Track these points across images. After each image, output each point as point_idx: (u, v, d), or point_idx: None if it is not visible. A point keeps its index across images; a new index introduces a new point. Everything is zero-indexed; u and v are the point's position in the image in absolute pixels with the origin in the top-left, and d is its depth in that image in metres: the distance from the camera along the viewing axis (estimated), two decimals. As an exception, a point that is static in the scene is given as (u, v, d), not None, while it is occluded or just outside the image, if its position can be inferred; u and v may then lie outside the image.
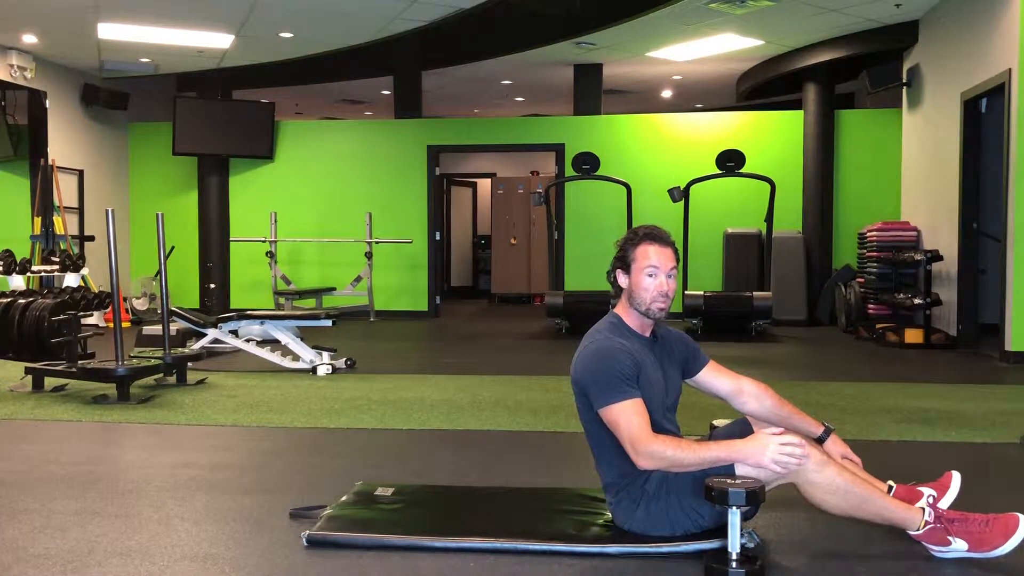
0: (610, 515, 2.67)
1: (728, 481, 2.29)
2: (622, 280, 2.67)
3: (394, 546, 2.53)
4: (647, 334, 2.69)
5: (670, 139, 10.94)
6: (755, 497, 2.25)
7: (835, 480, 2.41)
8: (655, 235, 2.66)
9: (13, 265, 8.19)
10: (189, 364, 5.89)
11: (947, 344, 7.67)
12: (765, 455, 2.32)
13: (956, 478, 2.75)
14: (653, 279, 2.61)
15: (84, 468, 3.56)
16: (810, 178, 10.37)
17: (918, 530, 2.45)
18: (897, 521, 2.47)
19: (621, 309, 2.70)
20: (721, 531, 2.37)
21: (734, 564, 2.26)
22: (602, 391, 2.52)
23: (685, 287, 9.12)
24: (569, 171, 10.24)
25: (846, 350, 7.91)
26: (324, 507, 2.82)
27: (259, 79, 11.50)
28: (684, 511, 2.46)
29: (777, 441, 2.33)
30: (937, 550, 2.45)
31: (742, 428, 2.71)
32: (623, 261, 2.67)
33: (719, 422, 2.92)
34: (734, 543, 2.29)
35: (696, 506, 2.43)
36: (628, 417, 2.47)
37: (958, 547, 2.42)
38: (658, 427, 2.59)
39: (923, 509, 2.48)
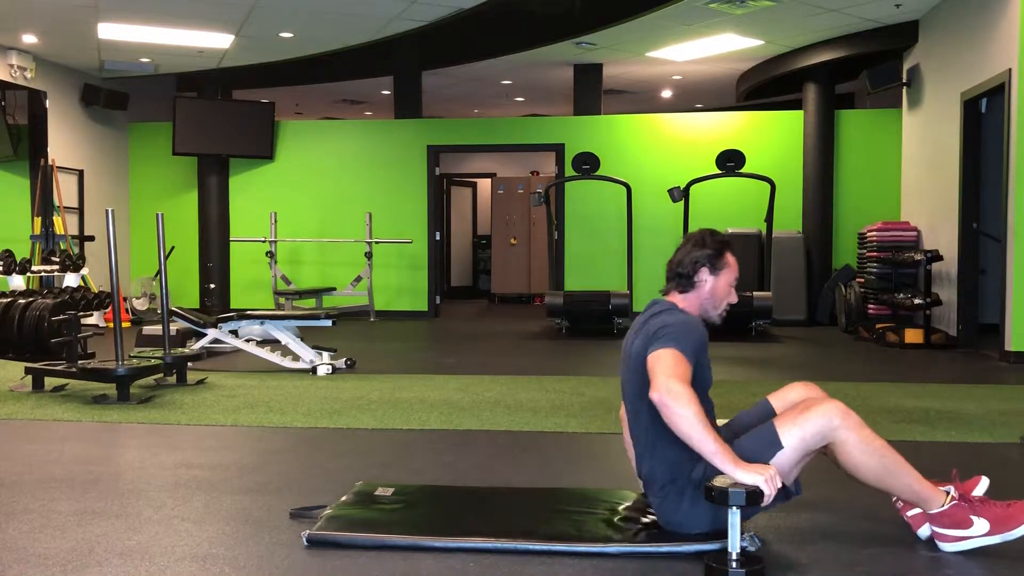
0: (611, 516, 2.67)
1: (729, 481, 2.30)
2: (706, 278, 2.65)
3: (394, 546, 2.53)
4: None
5: (670, 139, 10.94)
6: (755, 498, 2.26)
7: (873, 442, 2.44)
8: (728, 242, 2.72)
9: (13, 265, 8.19)
10: (189, 364, 5.89)
11: (947, 344, 7.67)
12: (753, 478, 2.28)
13: (984, 483, 2.69)
14: (733, 294, 2.70)
15: (84, 468, 3.56)
16: (810, 178, 10.37)
17: (942, 506, 2.46)
18: (924, 495, 2.48)
19: (684, 303, 2.67)
20: (721, 533, 2.37)
21: (734, 565, 2.26)
22: (670, 338, 2.46)
23: (685, 287, 9.11)
24: (569, 171, 10.24)
25: (846, 350, 7.91)
26: (324, 507, 2.82)
27: (259, 79, 11.50)
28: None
29: (770, 473, 2.29)
30: (952, 535, 2.45)
31: (762, 410, 2.71)
32: (715, 262, 2.66)
33: (721, 422, 2.92)
34: (734, 544, 2.29)
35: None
36: (677, 360, 2.42)
37: (979, 528, 2.43)
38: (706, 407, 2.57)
39: (946, 491, 2.50)
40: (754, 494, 2.26)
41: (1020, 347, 6.73)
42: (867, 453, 2.44)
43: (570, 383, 5.75)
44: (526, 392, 5.37)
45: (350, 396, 5.25)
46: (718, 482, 2.29)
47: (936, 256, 7.77)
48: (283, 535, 2.66)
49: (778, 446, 2.45)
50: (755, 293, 8.72)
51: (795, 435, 2.44)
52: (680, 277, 2.66)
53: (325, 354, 6.37)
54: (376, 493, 2.97)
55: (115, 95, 10.73)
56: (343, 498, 2.92)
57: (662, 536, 2.51)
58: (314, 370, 6.20)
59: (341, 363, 6.38)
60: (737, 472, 2.30)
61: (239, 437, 4.24)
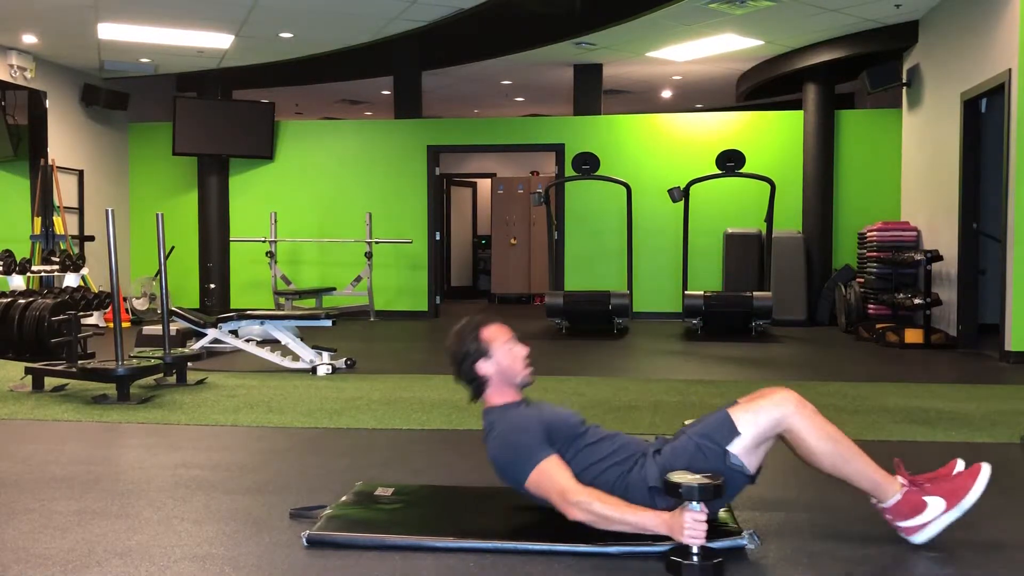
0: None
1: (688, 476, 2.32)
2: (486, 369, 2.71)
3: (394, 546, 2.53)
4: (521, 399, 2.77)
5: (670, 139, 10.94)
6: (709, 492, 2.29)
7: (826, 427, 2.50)
8: (487, 318, 2.77)
9: (13, 265, 8.19)
10: (189, 364, 5.89)
11: (947, 344, 7.67)
12: (683, 533, 2.30)
13: (959, 464, 2.65)
14: (516, 349, 2.74)
15: (84, 468, 3.56)
16: (810, 178, 10.37)
17: (896, 496, 2.49)
18: (879, 482, 2.51)
19: (495, 397, 2.74)
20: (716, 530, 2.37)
21: (694, 558, 2.28)
22: (521, 464, 2.57)
23: (685, 287, 9.12)
24: (569, 171, 10.24)
25: (846, 350, 7.91)
26: (324, 507, 2.82)
27: (259, 79, 11.51)
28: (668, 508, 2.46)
29: (691, 519, 2.30)
30: (914, 524, 2.47)
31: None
32: (479, 352, 2.70)
33: (690, 422, 2.92)
34: None
35: (668, 505, 2.44)
36: (551, 474, 2.52)
37: (935, 507, 2.46)
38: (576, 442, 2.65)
39: (897, 478, 2.53)
40: (713, 488, 2.29)
41: (1020, 347, 6.73)
42: (821, 439, 2.49)
43: (570, 383, 5.74)
44: (526, 392, 5.36)
45: (350, 396, 5.25)
46: (676, 477, 2.32)
47: (936, 256, 7.77)
48: (283, 535, 2.66)
49: (735, 432, 2.51)
50: (755, 293, 8.72)
51: (749, 421, 2.51)
52: (471, 383, 2.75)
53: (325, 354, 6.36)
54: (376, 493, 2.97)
55: (115, 95, 10.73)
56: (343, 498, 2.92)
57: (662, 536, 2.50)
58: (314, 370, 6.20)
59: (341, 363, 6.38)
60: (660, 528, 2.36)
61: (239, 437, 4.24)
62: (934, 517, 2.47)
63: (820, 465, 2.52)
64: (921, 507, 2.47)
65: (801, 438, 2.49)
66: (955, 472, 2.61)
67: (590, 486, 2.51)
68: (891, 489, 2.51)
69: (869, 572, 2.39)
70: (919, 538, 2.50)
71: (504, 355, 2.72)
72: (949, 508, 2.47)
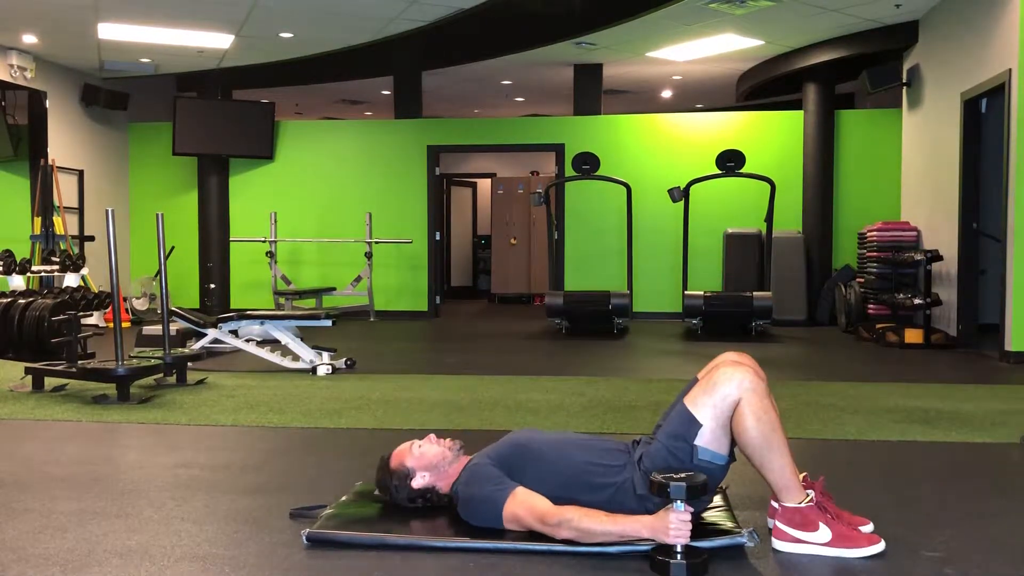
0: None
1: (673, 476, 2.32)
2: (422, 482, 2.74)
3: (394, 545, 2.53)
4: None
5: (670, 139, 10.94)
6: (696, 491, 2.28)
7: (770, 412, 2.48)
8: (386, 454, 2.85)
9: (13, 265, 8.19)
10: (189, 364, 5.88)
11: (947, 344, 7.67)
12: (668, 533, 2.30)
13: (869, 526, 2.66)
14: (424, 444, 2.78)
15: (84, 468, 3.56)
16: (810, 178, 10.37)
17: (799, 503, 2.48)
18: (791, 484, 2.50)
19: (447, 482, 2.74)
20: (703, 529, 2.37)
21: (678, 556, 2.28)
22: (490, 511, 2.57)
23: (685, 287, 9.12)
24: (569, 171, 10.24)
25: (846, 350, 7.91)
26: (324, 507, 2.82)
27: (259, 79, 11.50)
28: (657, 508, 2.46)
29: (676, 519, 2.29)
30: (793, 534, 2.47)
31: (690, 388, 2.67)
32: (403, 477, 2.75)
33: (662, 417, 2.92)
34: None
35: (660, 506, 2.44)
36: (523, 504, 2.52)
37: (821, 536, 2.45)
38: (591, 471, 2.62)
39: (808, 493, 2.52)
40: (696, 488, 2.28)
41: (1020, 347, 6.72)
42: (761, 421, 2.46)
43: (570, 383, 5.75)
44: (526, 392, 5.37)
45: (350, 396, 5.25)
46: (662, 478, 2.32)
47: (936, 256, 7.77)
48: (283, 535, 2.66)
49: (696, 424, 2.49)
50: (755, 293, 8.71)
51: (707, 405, 2.49)
52: (426, 501, 2.76)
53: (325, 354, 6.36)
54: (376, 492, 2.97)
55: (115, 95, 10.73)
56: (343, 498, 2.92)
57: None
58: (314, 370, 6.20)
59: (341, 363, 6.38)
60: (643, 532, 2.36)
61: (239, 437, 4.24)
62: (813, 542, 2.46)
63: (746, 445, 2.49)
64: (812, 527, 2.46)
65: (744, 415, 2.47)
66: (861, 527, 2.60)
67: (576, 497, 2.51)
68: (797, 496, 2.50)
69: (869, 570, 2.40)
70: (783, 547, 2.49)
71: (419, 460, 2.75)
72: (830, 545, 2.45)
